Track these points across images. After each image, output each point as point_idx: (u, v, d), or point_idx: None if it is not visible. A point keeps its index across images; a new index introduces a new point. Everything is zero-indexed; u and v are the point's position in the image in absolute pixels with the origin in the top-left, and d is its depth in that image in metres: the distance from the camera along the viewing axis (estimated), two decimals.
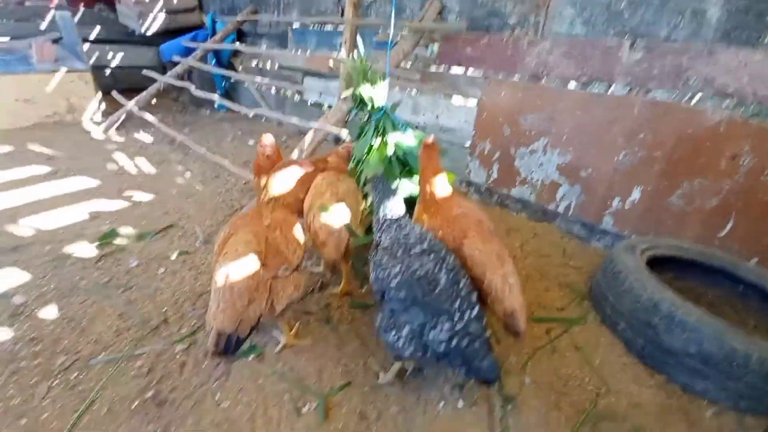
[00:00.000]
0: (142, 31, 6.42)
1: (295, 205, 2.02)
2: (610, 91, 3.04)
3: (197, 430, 1.48)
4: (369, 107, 2.51)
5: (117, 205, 3.15)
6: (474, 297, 1.49)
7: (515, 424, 1.59)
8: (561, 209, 3.30)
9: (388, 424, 1.56)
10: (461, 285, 1.49)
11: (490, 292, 1.59)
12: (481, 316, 1.45)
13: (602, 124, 2.94)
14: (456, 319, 1.41)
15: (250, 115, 4.17)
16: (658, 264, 2.43)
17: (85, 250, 2.51)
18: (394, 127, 2.51)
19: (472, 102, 3.81)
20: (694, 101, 2.71)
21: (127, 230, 2.76)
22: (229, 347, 1.43)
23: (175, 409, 1.54)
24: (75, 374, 1.65)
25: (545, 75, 3.19)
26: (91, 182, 3.52)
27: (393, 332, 1.50)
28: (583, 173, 3.12)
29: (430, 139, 2.01)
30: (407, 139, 2.47)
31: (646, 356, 1.92)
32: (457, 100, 4.15)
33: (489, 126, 3.61)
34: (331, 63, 2.25)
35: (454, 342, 1.39)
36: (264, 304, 1.53)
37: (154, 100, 6.86)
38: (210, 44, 5.77)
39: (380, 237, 1.71)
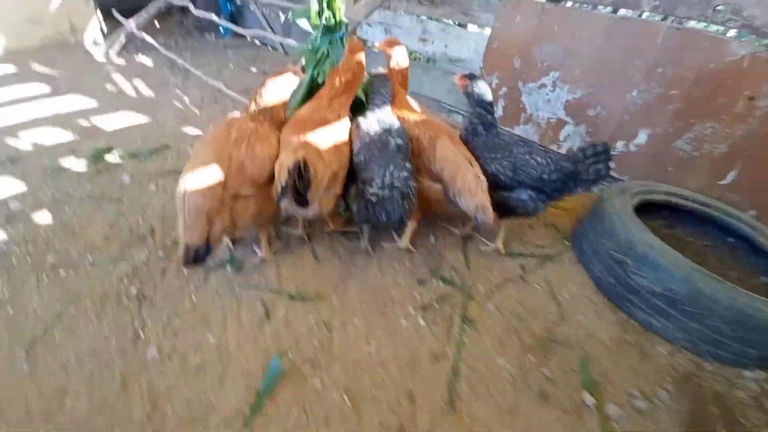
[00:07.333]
0: None
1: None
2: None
3: (170, 325, 1.61)
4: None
5: (113, 124, 3.17)
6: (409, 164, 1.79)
7: (471, 344, 1.66)
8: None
9: (351, 332, 1.66)
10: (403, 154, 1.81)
11: (465, 189, 1.75)
12: (408, 177, 1.72)
13: (624, 55, 2.68)
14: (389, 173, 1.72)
15: (249, 38, 3.97)
16: (651, 210, 2.35)
17: (80, 164, 2.58)
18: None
19: (487, 30, 3.50)
20: (721, 33, 2.42)
21: (122, 148, 2.81)
22: (198, 258, 1.50)
23: (154, 305, 1.67)
24: (63, 272, 1.78)
25: None
26: (90, 102, 3.52)
27: (355, 204, 1.85)
28: (591, 111, 2.92)
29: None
30: None
31: (613, 295, 1.94)
32: (470, 27, 3.83)
33: (499, 57, 3.35)
34: None
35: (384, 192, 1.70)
36: (226, 221, 1.55)
37: (157, 24, 6.64)
38: None
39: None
